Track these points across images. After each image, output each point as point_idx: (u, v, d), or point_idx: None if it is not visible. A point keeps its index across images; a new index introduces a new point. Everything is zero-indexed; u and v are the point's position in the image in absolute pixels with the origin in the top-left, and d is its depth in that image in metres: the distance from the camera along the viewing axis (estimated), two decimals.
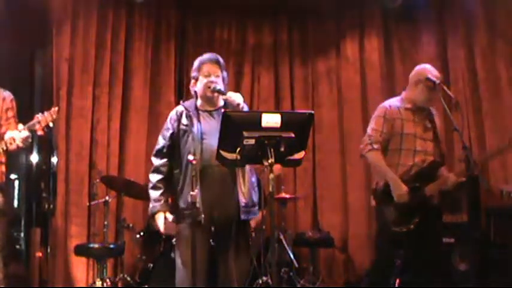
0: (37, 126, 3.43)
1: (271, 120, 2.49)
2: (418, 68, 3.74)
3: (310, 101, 6.20)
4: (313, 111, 2.66)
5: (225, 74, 3.19)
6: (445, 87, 3.55)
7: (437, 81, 3.52)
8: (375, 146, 3.60)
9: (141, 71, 5.83)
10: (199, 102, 3.18)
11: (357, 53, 6.14)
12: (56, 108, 3.48)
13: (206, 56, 3.20)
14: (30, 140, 3.50)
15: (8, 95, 3.74)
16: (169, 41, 6.05)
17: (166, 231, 3.09)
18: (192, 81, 3.21)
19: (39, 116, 3.44)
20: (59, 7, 5.45)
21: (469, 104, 5.38)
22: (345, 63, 6.18)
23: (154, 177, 3.13)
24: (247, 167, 3.06)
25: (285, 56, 6.30)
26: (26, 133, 3.42)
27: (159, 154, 3.17)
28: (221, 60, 3.19)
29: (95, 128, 5.50)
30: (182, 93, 5.88)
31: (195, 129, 3.02)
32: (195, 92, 3.19)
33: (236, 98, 3.04)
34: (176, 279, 3.03)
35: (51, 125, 3.49)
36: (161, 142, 3.18)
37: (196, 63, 3.20)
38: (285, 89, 6.24)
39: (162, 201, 3.07)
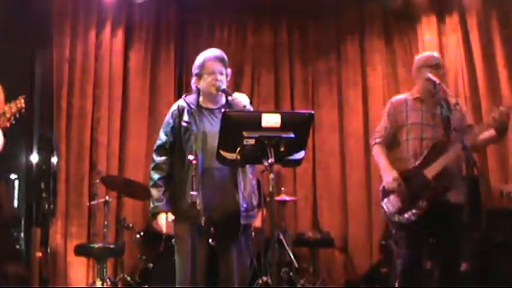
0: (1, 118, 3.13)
1: (271, 120, 2.48)
2: (417, 57, 3.74)
3: (310, 101, 6.19)
4: (313, 112, 2.65)
5: (228, 70, 3.13)
6: (445, 87, 3.55)
7: (437, 82, 3.52)
8: (377, 141, 3.69)
9: (141, 71, 5.83)
10: (201, 98, 3.12)
11: (357, 53, 6.13)
12: (22, 97, 3.16)
13: (210, 52, 3.11)
14: None
15: None
16: (169, 41, 6.04)
17: (168, 231, 3.06)
18: (195, 78, 3.12)
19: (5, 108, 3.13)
20: (59, 7, 5.45)
21: (469, 103, 5.37)
22: (345, 63, 6.17)
23: (155, 175, 3.04)
24: (249, 169, 3.02)
25: (285, 56, 6.29)
26: None
27: (161, 150, 3.07)
28: (225, 57, 3.11)
29: (95, 128, 5.50)
30: (182, 93, 5.87)
31: (197, 129, 2.98)
32: (198, 88, 3.11)
33: (242, 99, 2.98)
34: (176, 279, 3.01)
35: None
36: (163, 138, 3.08)
37: (199, 59, 3.10)
38: (285, 89, 6.23)
39: (164, 201, 3.00)
